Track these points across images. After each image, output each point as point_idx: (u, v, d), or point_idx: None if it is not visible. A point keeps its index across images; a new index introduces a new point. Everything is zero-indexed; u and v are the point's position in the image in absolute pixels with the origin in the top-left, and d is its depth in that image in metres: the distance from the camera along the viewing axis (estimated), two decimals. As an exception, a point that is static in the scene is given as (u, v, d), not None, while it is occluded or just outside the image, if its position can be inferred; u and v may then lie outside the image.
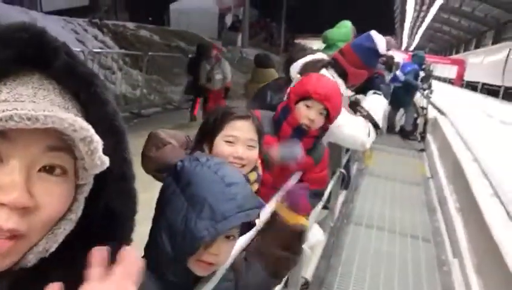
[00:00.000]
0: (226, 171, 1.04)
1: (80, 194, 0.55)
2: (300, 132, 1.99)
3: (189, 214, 0.96)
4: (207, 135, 1.52)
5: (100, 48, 10.17)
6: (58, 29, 9.78)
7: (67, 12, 11.86)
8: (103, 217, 0.58)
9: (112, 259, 0.53)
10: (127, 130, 0.58)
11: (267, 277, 1.24)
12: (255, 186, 1.47)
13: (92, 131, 0.50)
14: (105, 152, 0.52)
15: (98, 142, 0.51)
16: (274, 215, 1.29)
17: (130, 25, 14.06)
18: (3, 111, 0.45)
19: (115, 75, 9.99)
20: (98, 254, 0.51)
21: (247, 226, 1.08)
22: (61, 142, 0.51)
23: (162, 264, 0.99)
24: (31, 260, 0.52)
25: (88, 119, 0.54)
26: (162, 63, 11.64)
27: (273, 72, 4.97)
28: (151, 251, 1.03)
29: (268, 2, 30.84)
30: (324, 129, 2.05)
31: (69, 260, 0.55)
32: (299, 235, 1.28)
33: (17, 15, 8.67)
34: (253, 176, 1.47)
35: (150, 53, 10.45)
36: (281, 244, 1.25)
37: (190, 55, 9.11)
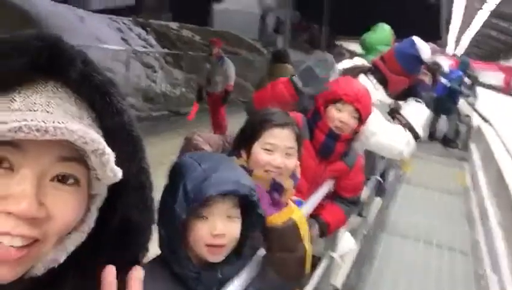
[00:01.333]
0: (207, 157, 1.13)
1: (92, 204, 0.55)
2: (333, 137, 1.96)
3: (171, 200, 1.03)
4: (245, 141, 1.50)
5: (143, 47, 10.40)
6: (103, 27, 10.07)
7: (113, 11, 12.19)
8: (119, 228, 0.57)
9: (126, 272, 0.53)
10: (142, 138, 0.58)
11: (282, 281, 1.24)
12: (291, 194, 1.44)
13: (103, 143, 0.49)
14: (121, 162, 0.52)
15: (110, 154, 0.50)
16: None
17: (173, 25, 14.33)
18: (14, 121, 0.44)
19: (156, 73, 10.19)
20: (108, 276, 0.51)
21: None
22: (73, 152, 0.50)
23: (167, 257, 1.07)
24: (39, 269, 0.52)
25: (103, 128, 0.54)
26: (202, 63, 11.77)
27: (290, 67, 4.74)
28: (161, 247, 1.09)
29: (310, 3, 30.66)
30: (356, 132, 2.02)
31: (82, 271, 0.55)
32: (290, 231, 1.24)
33: (64, 12, 8.99)
34: (289, 183, 1.44)
35: (189, 53, 10.60)
36: (277, 246, 1.24)
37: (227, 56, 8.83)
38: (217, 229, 1.04)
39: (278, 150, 1.45)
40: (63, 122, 0.47)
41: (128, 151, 0.55)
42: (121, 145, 0.53)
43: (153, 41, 11.65)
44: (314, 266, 2.16)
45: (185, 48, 11.64)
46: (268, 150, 1.45)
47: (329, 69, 2.11)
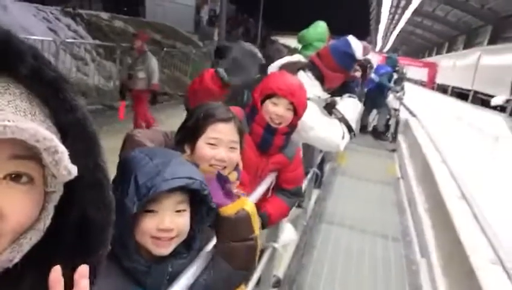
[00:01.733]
0: (158, 153, 1.11)
1: (49, 202, 0.53)
2: (271, 131, 2.01)
3: (121, 194, 1.01)
4: (188, 137, 1.50)
5: (73, 38, 9.95)
6: (29, 17, 9.52)
7: (40, 0, 11.52)
8: (78, 226, 0.56)
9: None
10: (99, 135, 0.57)
11: (233, 270, 1.26)
12: (236, 186, 1.47)
13: (55, 141, 0.48)
14: (76, 159, 0.51)
15: (63, 152, 0.49)
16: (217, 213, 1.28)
17: (104, 15, 13.81)
18: None
19: (88, 66, 9.80)
20: (56, 277, 0.50)
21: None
22: (27, 150, 0.49)
23: (117, 251, 1.05)
24: None
25: (57, 124, 0.53)
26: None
27: None
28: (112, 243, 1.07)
29: (246, -3, 30.81)
30: (293, 125, 2.07)
31: (42, 270, 0.53)
32: (243, 221, 1.28)
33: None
34: (233, 176, 1.47)
35: (123, 45, 10.27)
36: (230, 236, 1.26)
37: (165, 49, 8.69)
38: (164, 224, 1.05)
39: (222, 144, 1.47)
40: (13, 121, 0.45)
41: (83, 148, 0.54)
42: (75, 142, 0.52)
43: (84, 33, 11.19)
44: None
45: (118, 40, 11.26)
46: (212, 144, 1.46)
47: (256, 61, 2.13)
